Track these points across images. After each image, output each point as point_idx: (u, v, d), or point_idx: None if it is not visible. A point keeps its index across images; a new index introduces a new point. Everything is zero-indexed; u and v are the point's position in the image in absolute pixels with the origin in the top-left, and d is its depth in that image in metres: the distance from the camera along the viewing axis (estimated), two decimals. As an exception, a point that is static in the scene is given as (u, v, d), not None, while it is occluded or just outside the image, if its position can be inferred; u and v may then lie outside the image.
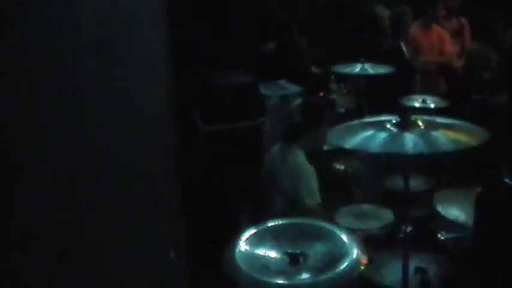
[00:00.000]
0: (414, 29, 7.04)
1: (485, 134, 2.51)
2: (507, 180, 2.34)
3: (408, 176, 2.76)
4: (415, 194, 4.09)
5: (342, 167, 5.04)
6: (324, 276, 2.28)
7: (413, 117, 2.63)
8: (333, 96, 6.07)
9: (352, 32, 7.31)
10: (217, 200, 4.98)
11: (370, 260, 2.46)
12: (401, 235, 2.77)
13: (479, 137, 2.47)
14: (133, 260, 2.31)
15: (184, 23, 6.12)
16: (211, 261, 2.40)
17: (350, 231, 2.70)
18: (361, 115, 4.78)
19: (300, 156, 3.95)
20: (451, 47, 7.10)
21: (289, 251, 2.40)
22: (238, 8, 7.12)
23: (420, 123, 2.60)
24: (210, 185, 5.22)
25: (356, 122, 2.94)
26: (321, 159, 4.22)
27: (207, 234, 3.99)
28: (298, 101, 4.40)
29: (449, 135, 2.50)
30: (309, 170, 3.90)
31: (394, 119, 2.64)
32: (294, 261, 2.36)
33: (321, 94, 5.83)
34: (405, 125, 2.58)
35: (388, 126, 2.61)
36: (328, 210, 3.93)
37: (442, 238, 3.35)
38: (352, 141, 2.59)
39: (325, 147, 4.68)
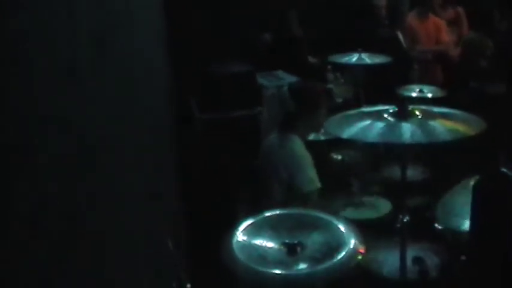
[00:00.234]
0: (411, 18, 7.04)
1: (482, 123, 2.51)
2: (504, 170, 2.34)
3: (405, 165, 2.76)
4: (413, 183, 4.09)
5: (340, 157, 5.04)
6: (321, 266, 2.28)
7: (410, 107, 2.63)
8: (330, 86, 6.05)
9: (349, 21, 7.29)
10: (215, 190, 4.98)
11: (367, 250, 2.46)
12: (398, 225, 2.77)
13: (477, 126, 2.47)
14: (132, 251, 2.31)
15: (183, 12, 6.11)
16: (210, 251, 2.39)
17: (347, 221, 2.70)
18: (358, 105, 4.77)
19: (297, 144, 3.94)
20: (447, 36, 7.09)
21: (287, 241, 2.40)
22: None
23: (417, 113, 2.60)
24: (207, 174, 5.22)
25: (353, 112, 2.94)
26: (319, 149, 4.21)
27: (205, 224, 4.00)
28: (285, 88, 4.37)
29: (447, 125, 2.50)
30: (306, 157, 3.88)
31: (391, 108, 2.64)
32: (292, 251, 2.36)
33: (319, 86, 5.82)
34: (402, 114, 2.58)
35: (386, 116, 2.61)
36: (326, 199, 3.93)
37: (439, 227, 3.35)
38: (350, 131, 2.59)
39: (323, 137, 4.68)
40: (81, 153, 1.72)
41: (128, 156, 2.40)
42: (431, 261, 3.21)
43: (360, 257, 2.35)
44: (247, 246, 2.41)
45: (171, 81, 4.80)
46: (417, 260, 3.11)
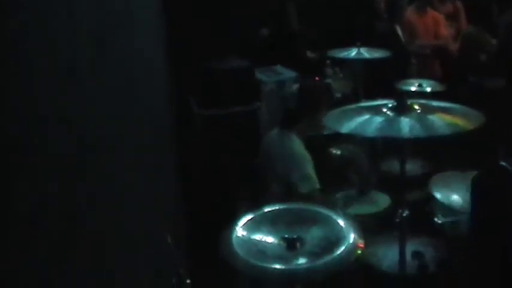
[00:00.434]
0: (409, 12, 7.03)
1: (481, 117, 2.51)
2: (503, 164, 2.34)
3: (404, 160, 2.76)
4: (412, 178, 4.09)
5: (339, 152, 5.03)
6: (321, 261, 2.28)
7: (409, 101, 2.63)
8: (329, 80, 6.05)
9: (347, 16, 7.28)
10: (214, 187, 4.98)
11: (366, 245, 2.46)
12: (398, 219, 2.77)
13: (476, 121, 2.47)
14: (132, 251, 2.31)
15: (182, 9, 6.10)
16: (210, 247, 2.39)
17: (347, 215, 2.70)
18: (357, 100, 4.77)
19: (296, 143, 3.93)
20: (446, 31, 7.08)
21: (286, 236, 2.40)
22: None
23: (416, 107, 2.59)
24: (207, 171, 5.22)
25: (352, 106, 2.94)
26: (318, 144, 4.21)
27: (205, 222, 4.00)
28: (294, 86, 4.37)
29: (446, 119, 2.50)
30: (304, 156, 3.88)
31: (390, 103, 2.64)
32: (291, 246, 2.36)
33: (316, 78, 5.81)
34: (401, 109, 2.58)
35: (385, 110, 2.61)
36: (325, 195, 3.93)
37: (438, 222, 3.35)
38: (349, 126, 2.58)
39: (322, 132, 4.68)
40: (81, 153, 1.72)
41: (128, 156, 2.40)
42: (431, 255, 3.21)
43: (359, 252, 2.35)
44: (246, 242, 2.41)
45: (171, 80, 4.80)
46: (416, 255, 3.12)
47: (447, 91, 4.99)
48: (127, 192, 2.31)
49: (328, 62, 6.26)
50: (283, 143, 3.97)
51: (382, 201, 3.98)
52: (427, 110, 2.59)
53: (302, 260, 2.31)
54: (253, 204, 2.79)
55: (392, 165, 4.31)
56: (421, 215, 3.30)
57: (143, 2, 3.42)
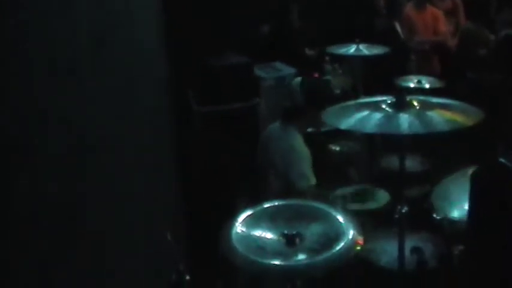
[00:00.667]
0: (408, 9, 7.03)
1: (480, 113, 2.51)
2: (502, 160, 2.33)
3: (404, 156, 2.76)
4: (411, 174, 4.09)
5: (338, 148, 5.04)
6: (320, 257, 2.28)
7: (408, 98, 2.63)
8: (328, 77, 6.04)
9: (346, 12, 7.28)
10: (214, 185, 4.98)
11: (366, 241, 2.46)
12: (397, 215, 2.77)
13: (475, 117, 2.47)
14: (132, 250, 2.31)
15: (182, 7, 6.09)
16: (210, 244, 2.40)
17: (346, 212, 2.70)
18: (356, 96, 4.77)
19: (295, 139, 3.94)
20: (445, 27, 7.08)
21: (286, 232, 2.40)
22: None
23: (415, 104, 2.59)
24: (207, 168, 5.22)
25: (351, 102, 2.93)
26: (317, 141, 4.21)
27: (205, 220, 4.00)
28: (298, 80, 4.37)
29: (445, 115, 2.50)
30: (303, 152, 3.88)
31: (389, 99, 2.64)
32: (290, 242, 2.36)
33: (316, 75, 5.81)
34: (400, 105, 2.57)
35: (384, 106, 2.60)
36: (325, 191, 3.93)
37: (437, 218, 3.35)
38: (348, 122, 2.58)
39: (321, 129, 4.68)
40: (81, 153, 1.72)
41: (128, 156, 2.40)
42: (430, 251, 3.21)
43: (358, 248, 2.36)
44: (246, 238, 2.41)
45: (171, 77, 4.80)
46: (415, 250, 3.11)
47: (446, 87, 4.99)
48: (127, 192, 2.31)
49: (327, 58, 6.26)
50: (283, 138, 3.97)
51: (381, 197, 3.98)
52: (426, 106, 2.59)
53: (301, 256, 2.31)
54: (253, 201, 2.79)
55: (392, 162, 4.30)
56: (420, 211, 3.30)
57: (143, 1, 3.42)
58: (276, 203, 2.69)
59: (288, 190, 3.79)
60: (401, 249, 2.82)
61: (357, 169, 4.58)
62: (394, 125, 2.49)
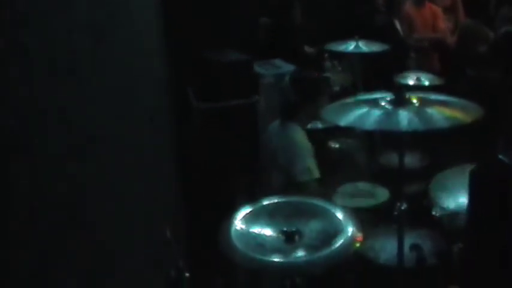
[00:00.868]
0: (407, 5, 7.03)
1: (480, 110, 2.51)
2: (502, 157, 2.34)
3: (403, 153, 2.76)
4: (410, 171, 4.10)
5: (337, 145, 5.04)
6: (319, 254, 2.29)
7: (407, 95, 2.63)
8: (327, 74, 6.04)
9: (345, 9, 7.27)
10: (214, 182, 4.97)
11: (365, 238, 2.47)
12: (396, 212, 2.78)
13: (474, 114, 2.47)
14: (132, 251, 2.31)
15: (181, 4, 6.07)
16: (210, 243, 2.40)
17: (345, 209, 2.70)
18: (355, 93, 4.77)
19: (297, 133, 3.94)
20: (444, 24, 7.08)
21: (285, 229, 2.41)
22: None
23: (415, 101, 2.59)
24: (206, 165, 5.22)
25: (351, 99, 2.94)
26: (316, 138, 4.21)
27: (205, 217, 4.00)
28: (287, 78, 4.38)
29: (444, 112, 2.50)
30: (306, 146, 3.89)
31: (388, 96, 2.64)
32: (290, 239, 2.37)
33: (316, 74, 5.81)
34: (400, 102, 2.58)
35: (383, 103, 2.61)
36: (324, 188, 3.93)
37: (437, 215, 3.36)
38: (347, 119, 2.58)
39: (320, 126, 4.68)
40: (81, 152, 1.72)
41: (127, 148, 2.40)
42: (429, 248, 3.22)
43: (357, 245, 2.36)
44: (245, 235, 2.41)
45: (170, 74, 4.79)
46: (415, 248, 3.12)
47: (445, 84, 5.00)
48: (127, 192, 2.31)
49: (326, 55, 6.26)
50: (284, 134, 3.98)
51: (380, 194, 3.99)
52: (425, 103, 2.59)
53: (300, 253, 2.32)
54: (253, 198, 2.79)
55: (391, 158, 4.31)
56: (420, 207, 3.30)
57: (143, 1, 3.41)
58: (275, 200, 2.70)
59: (290, 185, 3.80)
60: (400, 246, 2.82)
61: (356, 166, 4.58)
62: (394, 122, 2.49)
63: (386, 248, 3.27)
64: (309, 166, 3.79)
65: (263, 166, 4.20)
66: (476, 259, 2.45)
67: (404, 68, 5.83)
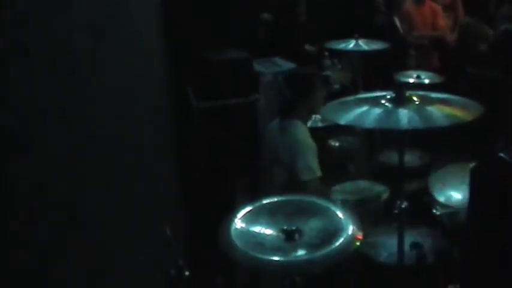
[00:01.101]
0: (408, 4, 7.03)
1: (480, 108, 2.51)
2: (502, 155, 2.34)
3: (403, 151, 2.76)
4: (410, 169, 4.10)
5: (337, 144, 5.05)
6: (319, 252, 2.28)
7: (408, 93, 2.63)
8: (327, 72, 6.05)
9: (345, 9, 7.27)
10: (214, 181, 4.98)
11: (365, 236, 2.47)
12: (396, 210, 2.78)
13: (474, 112, 2.47)
14: (132, 251, 2.31)
15: (181, 4, 6.08)
16: (210, 242, 2.40)
17: (345, 207, 2.70)
18: (355, 91, 4.77)
19: (299, 129, 3.94)
20: (444, 22, 7.09)
21: (285, 227, 2.40)
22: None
23: (415, 99, 2.59)
24: (206, 163, 5.22)
25: (351, 98, 2.94)
26: (317, 136, 4.21)
27: (205, 217, 4.01)
28: (280, 76, 4.39)
29: (444, 110, 2.50)
30: (308, 144, 3.89)
31: (388, 94, 2.64)
32: (290, 237, 2.37)
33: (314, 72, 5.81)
34: (400, 100, 2.58)
35: (383, 101, 2.61)
36: (324, 186, 3.94)
37: (437, 213, 3.36)
38: (347, 117, 2.58)
39: (320, 124, 4.69)
40: (81, 153, 1.72)
41: (128, 156, 2.40)
42: (429, 246, 3.22)
43: (357, 243, 2.36)
44: (245, 233, 2.41)
45: (170, 73, 4.79)
46: (415, 246, 3.12)
47: (446, 83, 5.00)
48: (127, 192, 2.31)
49: (326, 53, 6.26)
50: (286, 130, 3.97)
51: (380, 192, 3.99)
52: (425, 101, 2.59)
53: (301, 252, 2.31)
54: (254, 197, 2.79)
55: (391, 157, 4.31)
56: (420, 206, 3.30)
57: (143, 1, 3.42)
58: (275, 199, 2.70)
59: (292, 183, 3.80)
60: (400, 244, 2.83)
61: (356, 164, 4.59)
62: (394, 120, 2.49)
63: (386, 246, 3.27)
64: (311, 165, 3.79)
65: (264, 165, 4.20)
66: (476, 258, 2.46)
67: (404, 66, 5.83)
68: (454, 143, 4.30)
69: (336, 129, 4.83)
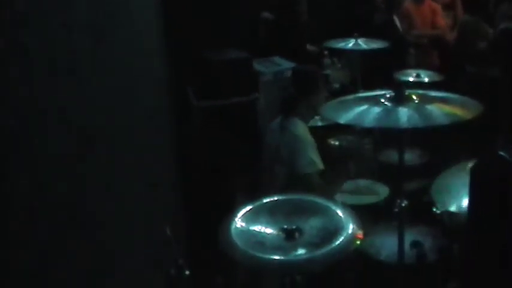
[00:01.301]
0: (407, 2, 7.03)
1: (479, 107, 2.51)
2: (502, 153, 2.33)
3: (403, 150, 2.76)
4: (410, 167, 4.10)
5: (337, 143, 5.05)
6: (319, 251, 2.28)
7: (407, 92, 2.63)
8: (327, 71, 6.05)
9: (345, 9, 7.27)
10: (214, 180, 4.98)
11: (365, 235, 2.47)
12: (396, 209, 2.78)
13: (474, 110, 2.47)
14: (132, 250, 2.31)
15: (181, 4, 6.07)
16: (210, 242, 2.40)
17: (345, 206, 2.70)
18: (355, 90, 4.77)
19: (299, 127, 3.97)
20: (443, 20, 7.09)
21: (285, 226, 2.40)
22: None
23: (414, 97, 2.59)
24: (206, 163, 5.22)
25: (350, 97, 2.93)
26: (316, 135, 4.22)
27: (205, 217, 4.01)
28: (289, 73, 4.40)
29: (444, 109, 2.50)
30: (308, 140, 3.91)
31: (388, 93, 2.64)
32: (290, 236, 2.37)
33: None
34: (399, 99, 2.57)
35: (383, 100, 2.60)
36: (326, 183, 3.94)
37: (437, 212, 3.35)
38: (347, 116, 2.58)
39: (320, 123, 4.69)
40: (81, 153, 1.72)
41: (128, 156, 2.40)
42: (429, 245, 3.22)
43: (358, 242, 2.36)
44: (245, 233, 2.41)
45: (170, 72, 4.79)
46: (415, 244, 3.12)
47: (445, 81, 5.00)
48: (127, 192, 2.31)
49: (326, 52, 6.26)
50: (286, 128, 3.99)
51: (380, 191, 3.99)
52: (425, 100, 2.59)
53: (301, 251, 2.31)
54: (254, 196, 2.79)
55: (391, 155, 4.32)
56: (420, 204, 3.30)
57: (143, 1, 3.41)
58: (275, 198, 2.70)
59: (293, 179, 3.81)
60: (400, 243, 2.82)
61: (356, 163, 4.58)
62: (393, 119, 2.49)
63: (386, 245, 3.27)
64: (313, 158, 3.81)
65: (264, 165, 4.21)
66: (476, 256, 2.45)
67: (404, 65, 5.83)
68: (454, 141, 4.30)
69: (336, 129, 4.83)
